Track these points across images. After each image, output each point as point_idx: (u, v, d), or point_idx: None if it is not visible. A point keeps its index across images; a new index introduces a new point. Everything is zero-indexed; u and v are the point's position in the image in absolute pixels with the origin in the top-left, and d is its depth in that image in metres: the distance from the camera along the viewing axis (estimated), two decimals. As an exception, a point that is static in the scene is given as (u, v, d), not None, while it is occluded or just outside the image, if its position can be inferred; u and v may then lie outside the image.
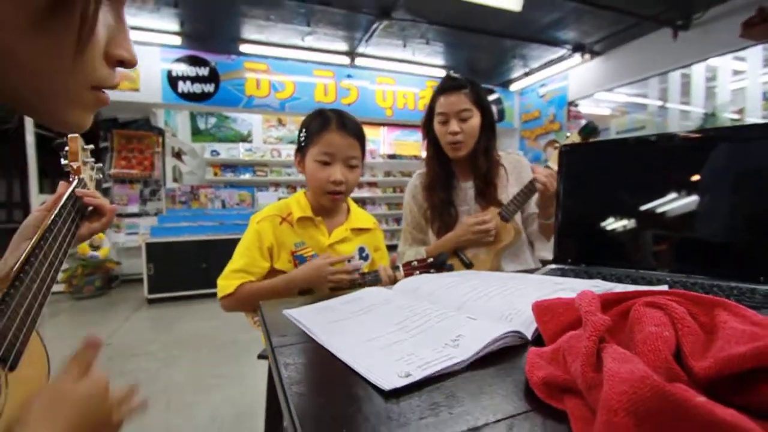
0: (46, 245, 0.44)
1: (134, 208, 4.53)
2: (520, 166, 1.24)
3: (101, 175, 0.70)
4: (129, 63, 0.33)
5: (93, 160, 0.67)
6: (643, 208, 0.71)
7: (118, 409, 0.42)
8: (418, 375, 0.33)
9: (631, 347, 0.30)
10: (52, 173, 4.22)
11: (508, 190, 1.19)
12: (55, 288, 0.48)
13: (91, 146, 0.67)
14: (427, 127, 1.23)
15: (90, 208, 0.59)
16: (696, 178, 0.66)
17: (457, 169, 1.24)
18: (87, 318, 3.22)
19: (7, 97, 0.29)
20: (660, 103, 4.46)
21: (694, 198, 0.65)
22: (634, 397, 0.21)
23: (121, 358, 2.34)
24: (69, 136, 0.62)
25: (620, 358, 0.25)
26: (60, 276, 0.49)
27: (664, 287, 0.55)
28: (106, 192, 4.32)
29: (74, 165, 0.61)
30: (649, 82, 4.41)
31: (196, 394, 1.92)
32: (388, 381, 0.32)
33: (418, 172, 1.32)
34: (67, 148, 0.62)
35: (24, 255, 0.40)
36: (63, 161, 0.62)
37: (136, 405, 0.45)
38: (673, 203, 0.67)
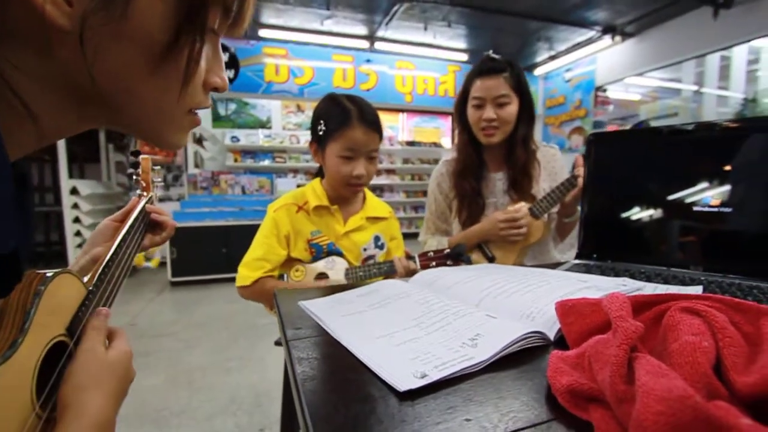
0: (121, 252, 0.49)
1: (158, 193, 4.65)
2: (554, 161, 1.16)
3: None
4: (222, 89, 0.38)
5: (159, 179, 0.76)
6: (676, 202, 0.67)
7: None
8: (434, 376, 0.32)
9: (665, 357, 0.28)
10: (80, 159, 4.37)
11: (539, 185, 1.13)
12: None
13: (159, 167, 0.76)
14: (459, 110, 1.16)
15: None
16: (733, 170, 0.61)
17: (488, 158, 1.18)
18: (116, 298, 3.35)
19: (124, 126, 0.35)
20: (695, 87, 4.23)
21: (731, 192, 0.61)
22: (672, 419, 0.19)
23: (145, 339, 2.44)
24: (141, 156, 0.71)
25: (655, 371, 0.23)
26: None
27: (699, 287, 0.52)
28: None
29: (144, 183, 0.70)
30: (684, 65, 4.18)
31: (216, 376, 1.98)
32: (404, 381, 0.31)
33: (445, 159, 1.25)
34: (140, 168, 0.71)
35: (105, 260, 0.45)
36: (134, 177, 0.71)
37: None
38: (709, 197, 0.63)
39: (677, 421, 0.19)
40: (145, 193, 0.68)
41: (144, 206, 0.62)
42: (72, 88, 0.30)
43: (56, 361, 0.33)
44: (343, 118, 0.93)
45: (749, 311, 0.30)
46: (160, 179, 0.76)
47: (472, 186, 1.15)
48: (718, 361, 0.26)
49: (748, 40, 3.55)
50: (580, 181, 0.96)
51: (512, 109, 1.08)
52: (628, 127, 1.05)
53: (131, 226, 0.55)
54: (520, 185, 1.12)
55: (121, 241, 0.50)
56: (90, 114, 0.33)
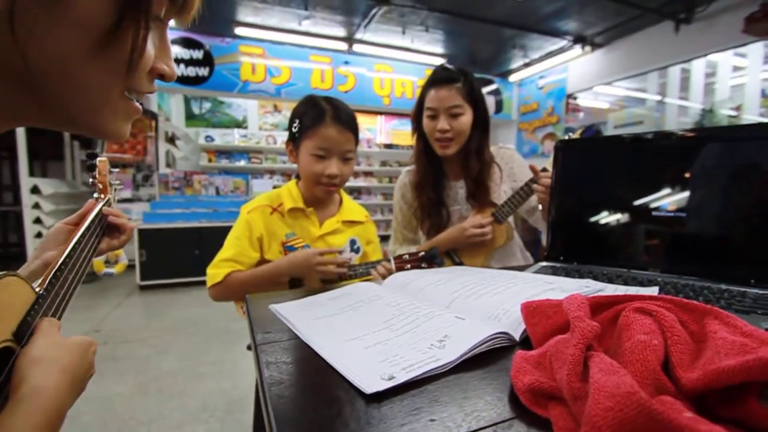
0: (75, 256, 0.47)
1: (126, 194, 4.47)
2: (512, 162, 1.19)
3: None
4: (169, 77, 0.36)
5: (118, 182, 0.75)
6: (637, 207, 0.70)
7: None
8: (401, 378, 0.33)
9: (619, 355, 0.29)
10: (42, 156, 4.15)
11: (501, 188, 1.16)
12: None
13: (117, 169, 0.74)
14: (416, 120, 1.16)
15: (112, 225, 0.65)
16: (690, 177, 0.65)
17: (447, 168, 1.19)
18: (78, 303, 3.19)
19: (58, 119, 0.33)
20: (659, 97, 4.44)
21: (687, 198, 0.65)
22: (620, 414, 0.20)
23: (112, 345, 2.34)
24: (98, 159, 0.70)
25: (607, 369, 0.25)
26: None
27: (655, 288, 0.55)
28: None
29: (101, 185, 0.69)
30: (649, 76, 4.38)
31: (188, 382, 1.92)
32: (371, 384, 0.32)
33: (407, 170, 1.26)
34: (97, 170, 0.70)
35: (58, 264, 0.43)
36: (91, 180, 0.70)
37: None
38: (667, 203, 0.67)
39: (624, 416, 0.20)
40: (102, 196, 0.67)
41: (101, 209, 0.60)
42: (6, 76, 0.28)
43: (1, 368, 0.32)
44: (318, 116, 0.93)
45: (695, 311, 0.32)
46: (118, 182, 0.75)
47: (430, 197, 1.16)
48: (667, 358, 0.28)
49: (706, 54, 3.77)
50: (538, 187, 0.96)
51: (466, 119, 1.08)
52: (579, 131, 1.10)
53: (87, 229, 0.53)
54: (478, 195, 1.13)
55: (76, 244, 0.48)
56: (23, 107, 0.31)
